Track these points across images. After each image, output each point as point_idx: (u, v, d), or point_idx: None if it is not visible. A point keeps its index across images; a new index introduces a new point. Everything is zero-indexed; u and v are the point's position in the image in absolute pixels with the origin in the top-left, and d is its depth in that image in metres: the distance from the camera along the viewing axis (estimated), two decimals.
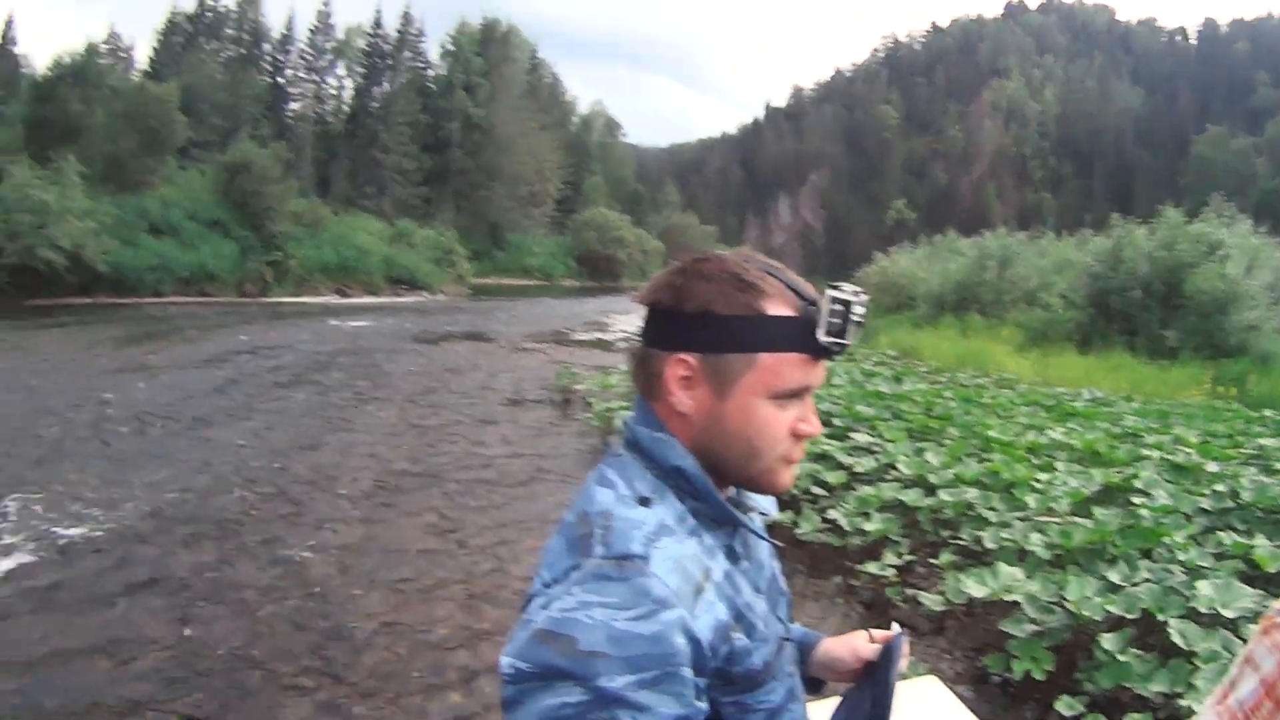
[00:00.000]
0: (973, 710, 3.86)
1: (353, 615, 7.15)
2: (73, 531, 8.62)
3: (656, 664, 1.32)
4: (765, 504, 1.82)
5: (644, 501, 1.51)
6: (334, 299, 44.39)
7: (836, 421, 12.14)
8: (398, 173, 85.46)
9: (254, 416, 14.41)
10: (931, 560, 7.91)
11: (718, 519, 1.59)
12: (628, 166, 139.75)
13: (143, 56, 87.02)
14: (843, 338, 1.53)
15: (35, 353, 19.10)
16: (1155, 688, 5.12)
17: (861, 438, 11.02)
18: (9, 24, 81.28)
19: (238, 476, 10.89)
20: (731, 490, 1.69)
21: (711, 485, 1.56)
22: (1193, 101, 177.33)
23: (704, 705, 1.42)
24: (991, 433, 11.29)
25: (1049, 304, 31.65)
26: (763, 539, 1.77)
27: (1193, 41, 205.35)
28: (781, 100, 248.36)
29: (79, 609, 6.91)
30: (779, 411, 1.56)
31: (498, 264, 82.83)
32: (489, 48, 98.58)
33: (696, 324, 1.53)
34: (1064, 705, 5.36)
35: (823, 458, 10.36)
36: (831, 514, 8.83)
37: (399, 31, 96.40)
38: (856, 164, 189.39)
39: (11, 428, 12.44)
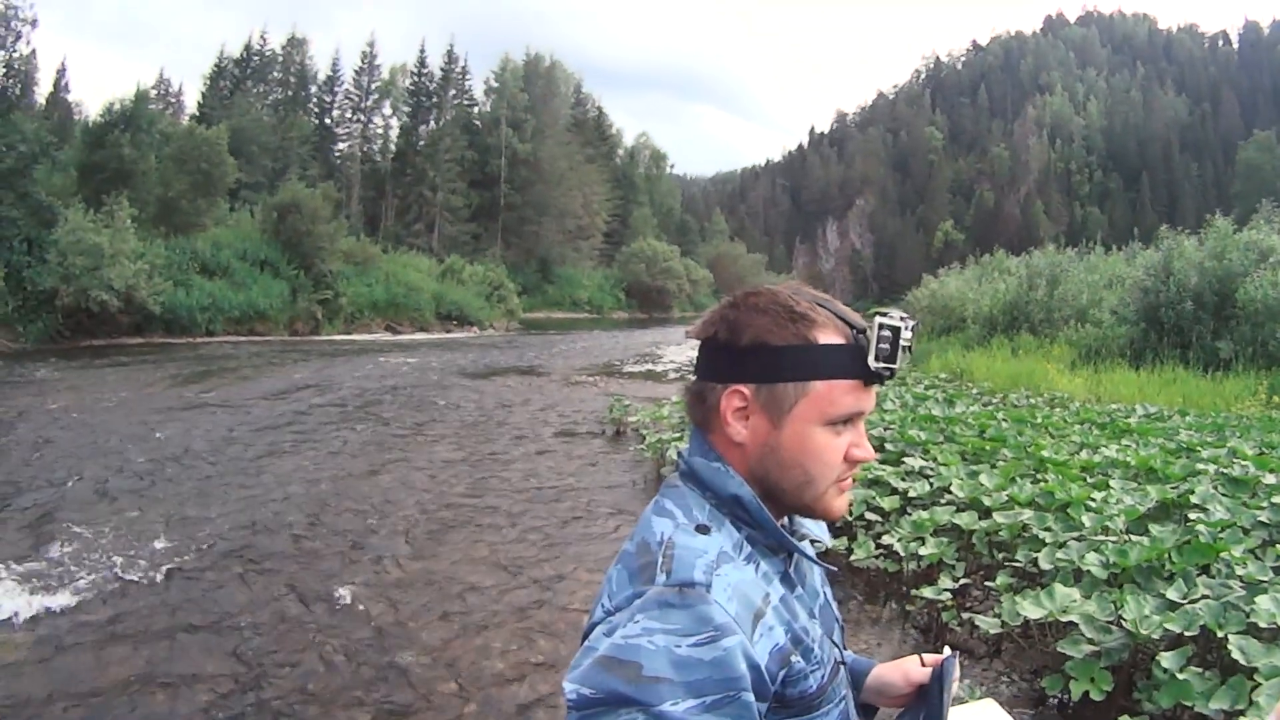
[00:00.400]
0: None
1: (408, 650, 7.16)
2: (130, 568, 8.68)
3: (719, 689, 1.35)
4: (818, 531, 1.92)
5: (703, 530, 1.55)
6: (385, 336, 44.69)
7: (889, 446, 12.09)
8: (446, 209, 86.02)
9: (308, 452, 14.48)
10: (987, 583, 7.85)
11: (773, 546, 1.64)
12: (674, 197, 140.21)
13: (192, 101, 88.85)
14: (893, 362, 1.59)
15: (91, 392, 19.28)
16: (1216, 705, 5.03)
17: (915, 462, 10.93)
18: (61, 72, 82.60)
19: (292, 512, 10.95)
20: (785, 519, 1.75)
21: (768, 513, 1.60)
22: (1238, 107, 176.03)
23: None
24: (1045, 453, 11.16)
25: (1100, 320, 31.26)
26: (816, 564, 1.81)
27: (1235, 46, 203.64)
28: (825, 125, 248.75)
29: (136, 644, 6.96)
30: (833, 438, 1.61)
31: (547, 298, 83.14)
32: (533, 83, 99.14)
33: (751, 356, 1.58)
34: None
35: (876, 483, 10.32)
36: (886, 539, 8.78)
37: (443, 69, 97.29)
38: (903, 187, 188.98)
39: (70, 466, 12.55)
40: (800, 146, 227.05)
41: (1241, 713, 4.90)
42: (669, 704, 1.32)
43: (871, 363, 1.58)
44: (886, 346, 1.58)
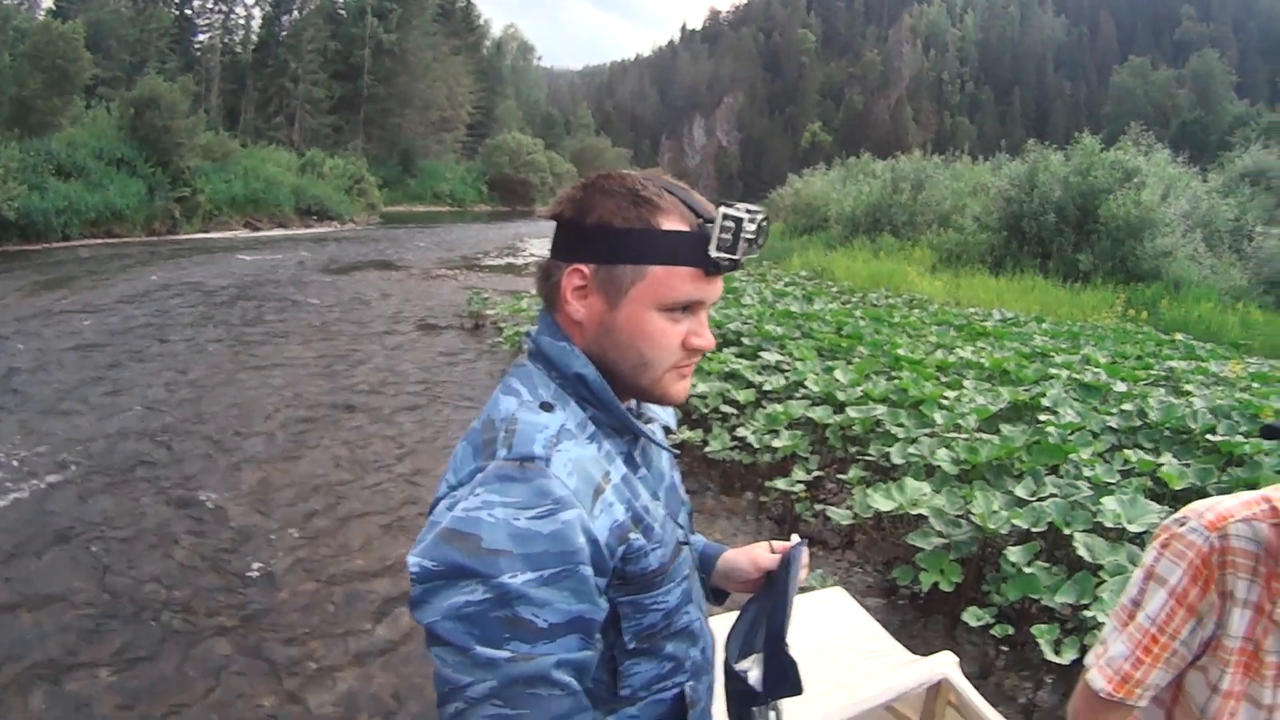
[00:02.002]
0: (882, 622, 3.85)
1: (269, 552, 7.08)
2: None
3: (557, 561, 1.37)
4: (665, 416, 1.92)
5: (546, 407, 1.55)
6: (244, 233, 43.11)
7: (746, 341, 12.23)
8: (308, 102, 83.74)
9: (166, 357, 14.04)
10: (840, 476, 7.94)
11: (616, 427, 1.64)
12: (541, 90, 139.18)
13: None
14: (733, 253, 1.57)
15: None
16: (1061, 599, 5.17)
17: (771, 356, 11.05)
18: None
19: (153, 418, 10.68)
20: (631, 402, 1.75)
21: (611, 393, 1.60)
22: (1116, 32, 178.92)
23: (603, 603, 1.47)
24: (900, 351, 11.34)
25: (962, 226, 31.82)
26: (662, 448, 1.78)
27: None
28: (698, 22, 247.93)
29: None
30: (670, 324, 1.60)
31: (409, 191, 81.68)
32: None
33: (593, 236, 1.58)
34: (971, 616, 5.44)
35: (732, 376, 10.40)
36: (741, 432, 8.85)
37: None
38: (773, 87, 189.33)
39: None
40: (671, 42, 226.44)
41: (1086, 607, 5.00)
42: (508, 575, 1.33)
43: (712, 251, 1.56)
44: (728, 237, 1.56)
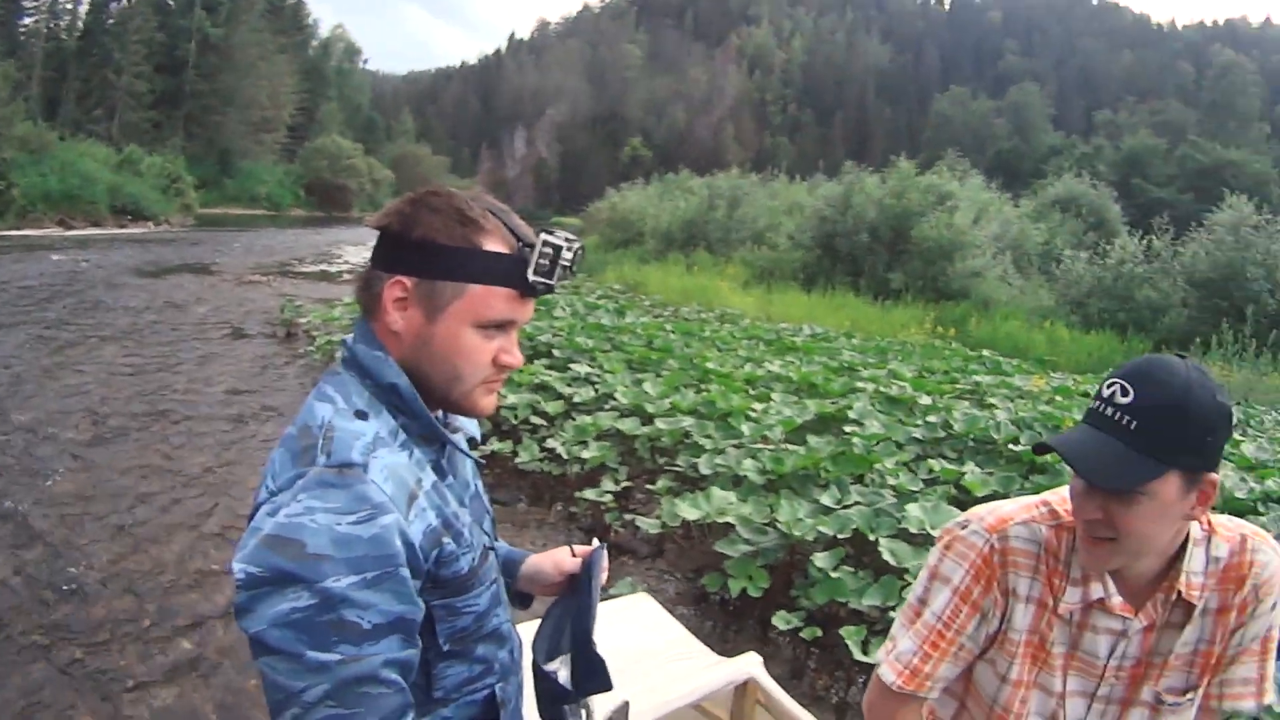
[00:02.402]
0: (693, 628, 3.85)
1: (81, 566, 6.86)
2: None
3: (377, 564, 1.42)
4: (470, 427, 1.98)
5: (360, 415, 1.59)
6: (57, 231, 41.78)
7: (557, 353, 12.25)
8: (130, 95, 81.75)
9: None
10: (649, 486, 7.97)
11: (426, 435, 1.67)
12: (364, 94, 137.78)
13: None
14: (549, 278, 1.64)
15: None
16: (869, 602, 5.28)
17: (581, 369, 11.07)
18: None
19: None
20: (439, 413, 1.79)
21: (422, 403, 1.64)
22: (939, 63, 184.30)
23: (420, 604, 1.52)
24: (710, 364, 11.46)
25: (776, 244, 32.48)
26: (468, 456, 1.85)
27: (946, 7, 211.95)
28: (527, 32, 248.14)
29: None
30: (484, 341, 1.65)
31: (226, 193, 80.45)
32: None
33: (417, 250, 1.61)
34: (780, 620, 5.49)
35: (542, 388, 10.40)
36: (550, 443, 8.86)
37: None
38: (596, 101, 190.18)
39: None
40: (498, 51, 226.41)
41: (892, 608, 5.10)
42: (331, 580, 1.37)
43: (530, 275, 1.62)
44: (546, 263, 1.63)
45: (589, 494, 7.75)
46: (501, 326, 1.66)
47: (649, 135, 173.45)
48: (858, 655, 4.93)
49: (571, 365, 11.38)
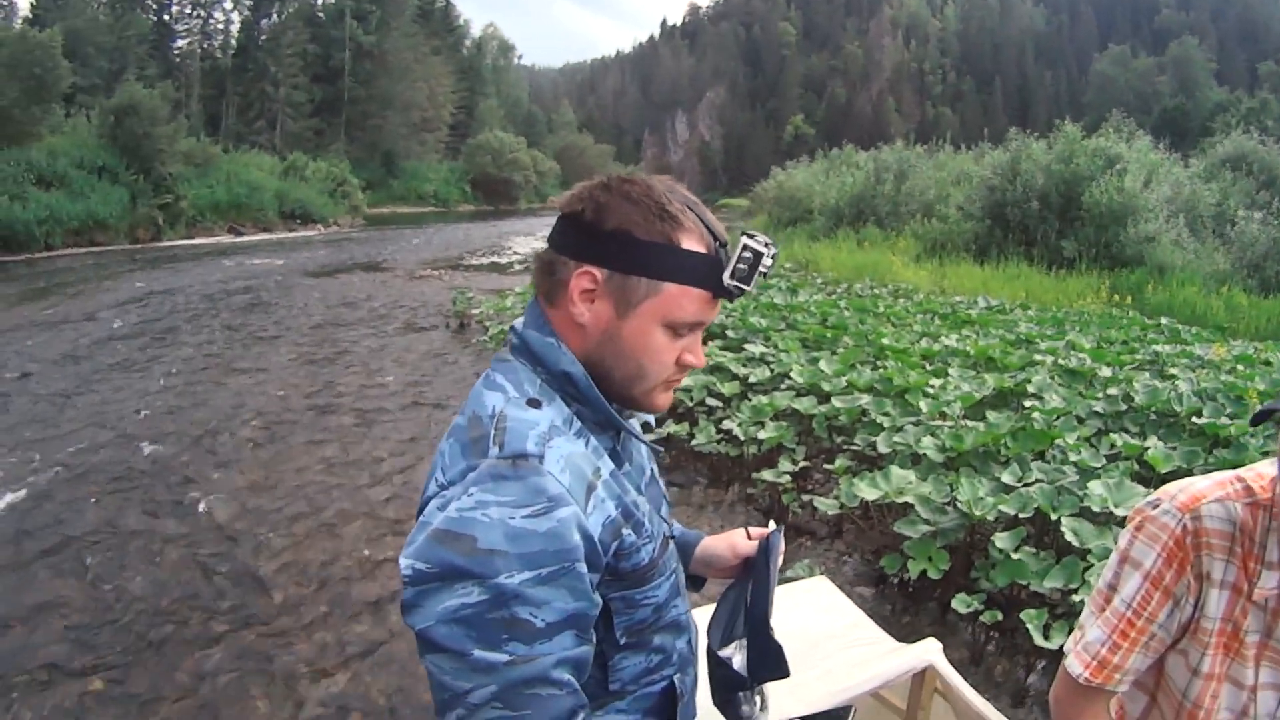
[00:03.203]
0: (872, 611, 3.81)
1: (258, 556, 7.07)
2: None
3: (553, 560, 1.36)
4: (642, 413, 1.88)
5: (534, 404, 1.53)
6: (228, 238, 42.65)
7: (730, 333, 12.18)
8: (289, 105, 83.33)
9: (151, 365, 14.00)
10: (827, 466, 7.86)
11: (601, 423, 1.63)
12: (522, 89, 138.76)
13: (25, 4, 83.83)
14: (747, 283, 1.57)
15: None
16: (1050, 584, 5.13)
17: (756, 349, 10.97)
18: None
19: (139, 426, 10.66)
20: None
21: (597, 390, 1.59)
22: (1095, 22, 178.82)
23: (598, 599, 1.46)
24: (885, 340, 11.29)
25: (946, 216, 31.77)
26: (642, 442, 1.80)
27: None
28: (677, 17, 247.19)
29: None
30: (670, 341, 1.59)
31: (392, 193, 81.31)
32: None
33: (612, 241, 1.55)
34: (960, 603, 5.35)
35: (717, 369, 10.33)
36: (727, 424, 8.79)
37: None
38: (754, 81, 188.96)
39: None
40: (652, 38, 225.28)
41: (1074, 591, 4.96)
42: (504, 576, 1.32)
43: (726, 279, 1.56)
44: (745, 267, 1.56)
45: (766, 475, 7.65)
46: (690, 327, 1.60)
47: (810, 112, 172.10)
48: (1038, 640, 4.80)
49: (746, 345, 11.29)
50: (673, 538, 1.79)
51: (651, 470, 1.85)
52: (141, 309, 19.70)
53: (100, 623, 6.01)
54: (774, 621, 1.82)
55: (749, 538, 2.07)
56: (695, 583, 2.13)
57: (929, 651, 3.10)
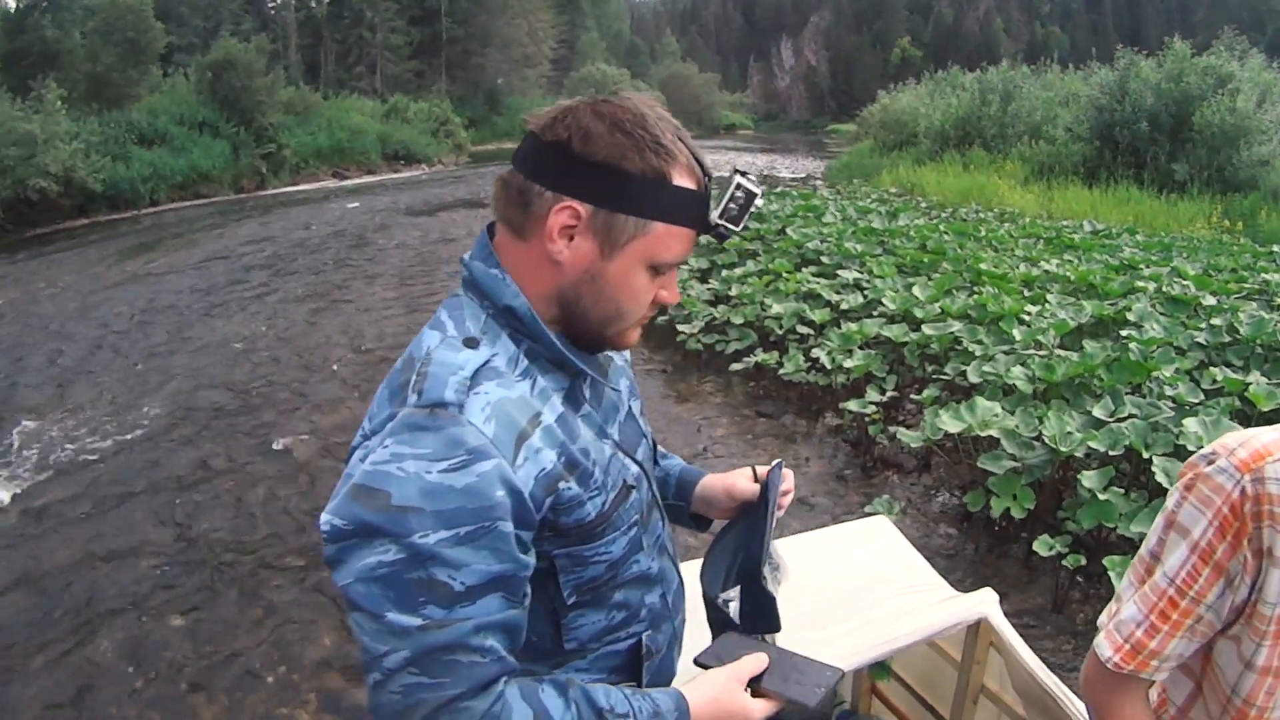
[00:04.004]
0: (955, 549, 3.65)
1: None
2: (76, 449, 8.67)
3: (472, 518, 1.27)
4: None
5: (470, 342, 1.45)
6: (332, 183, 43.04)
7: (825, 259, 11.97)
8: (387, 49, 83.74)
9: (250, 308, 14.31)
10: (916, 397, 7.69)
11: (554, 361, 1.53)
12: (622, 20, 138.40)
13: None
14: (737, 224, 1.51)
15: (34, 282, 18.20)
16: (1137, 528, 4.87)
17: (850, 275, 10.78)
18: None
19: (234, 370, 10.96)
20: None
21: (541, 324, 1.49)
22: None
23: (529, 558, 1.38)
24: (983, 265, 11.02)
25: (1054, 138, 31.04)
26: (606, 384, 1.68)
27: None
28: None
29: (80, 522, 7.05)
30: (650, 280, 1.51)
31: (496, 129, 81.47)
32: None
33: (599, 174, 1.42)
34: (1042, 545, 5.15)
35: (809, 296, 10.18)
36: (815, 352, 8.61)
37: None
38: (859, 3, 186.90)
39: (15, 357, 12.25)
40: None
41: None
42: (419, 535, 1.25)
43: (714, 217, 1.48)
44: (735, 208, 1.49)
45: (852, 405, 7.49)
46: (671, 266, 1.52)
47: (916, 35, 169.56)
48: (1119, 588, 4.55)
49: (840, 272, 11.09)
50: (635, 487, 1.64)
51: (631, 407, 1.76)
52: (244, 256, 20.03)
53: (183, 561, 6.29)
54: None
55: (754, 478, 1.94)
56: (698, 523, 2.06)
57: (983, 603, 2.94)
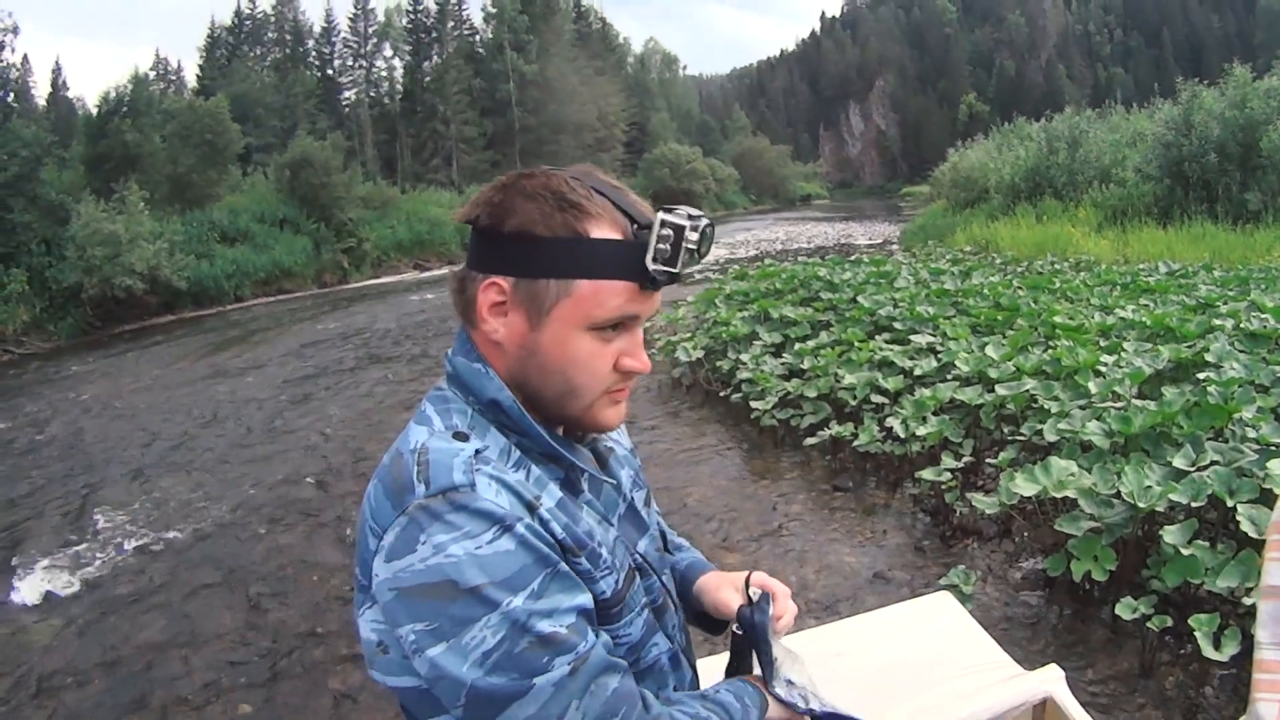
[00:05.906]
0: (1037, 618, 3.50)
1: None
2: (157, 539, 8.86)
3: (537, 570, 1.29)
4: (622, 437, 1.81)
5: (460, 437, 1.40)
6: (412, 275, 43.74)
7: (898, 325, 11.78)
8: (461, 141, 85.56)
9: (330, 402, 14.56)
10: (991, 462, 7.50)
11: (547, 454, 1.49)
12: (691, 98, 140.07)
13: (191, 76, 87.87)
14: (672, 266, 1.41)
15: (123, 377, 19.09)
16: (1224, 582, 4.59)
17: (923, 339, 10.62)
18: (57, 71, 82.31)
19: (312, 462, 11.11)
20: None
21: (528, 417, 1.46)
22: None
23: (589, 592, 1.38)
24: (1057, 318, 10.77)
25: (1124, 179, 30.65)
26: (603, 479, 1.59)
27: None
28: (835, 8, 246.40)
29: (159, 609, 7.21)
30: (600, 345, 1.45)
31: None
32: (531, 4, 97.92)
33: (512, 245, 1.42)
34: (1125, 609, 4.90)
35: (883, 364, 10.04)
36: (889, 421, 8.45)
37: (438, 3, 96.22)
38: (921, 63, 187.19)
39: (102, 450, 12.56)
40: (813, 33, 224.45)
41: (1251, 590, 4.46)
42: (505, 606, 1.24)
43: (649, 264, 1.39)
44: (666, 247, 1.39)
45: (927, 473, 7.31)
46: (620, 325, 1.45)
47: (981, 89, 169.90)
48: (1207, 650, 4.32)
49: (913, 337, 10.91)
50: (638, 569, 1.62)
51: (634, 498, 1.72)
52: (324, 349, 20.39)
53: (254, 648, 6.44)
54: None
55: (747, 584, 1.81)
56: (711, 625, 1.96)
57: (1048, 681, 2.81)
